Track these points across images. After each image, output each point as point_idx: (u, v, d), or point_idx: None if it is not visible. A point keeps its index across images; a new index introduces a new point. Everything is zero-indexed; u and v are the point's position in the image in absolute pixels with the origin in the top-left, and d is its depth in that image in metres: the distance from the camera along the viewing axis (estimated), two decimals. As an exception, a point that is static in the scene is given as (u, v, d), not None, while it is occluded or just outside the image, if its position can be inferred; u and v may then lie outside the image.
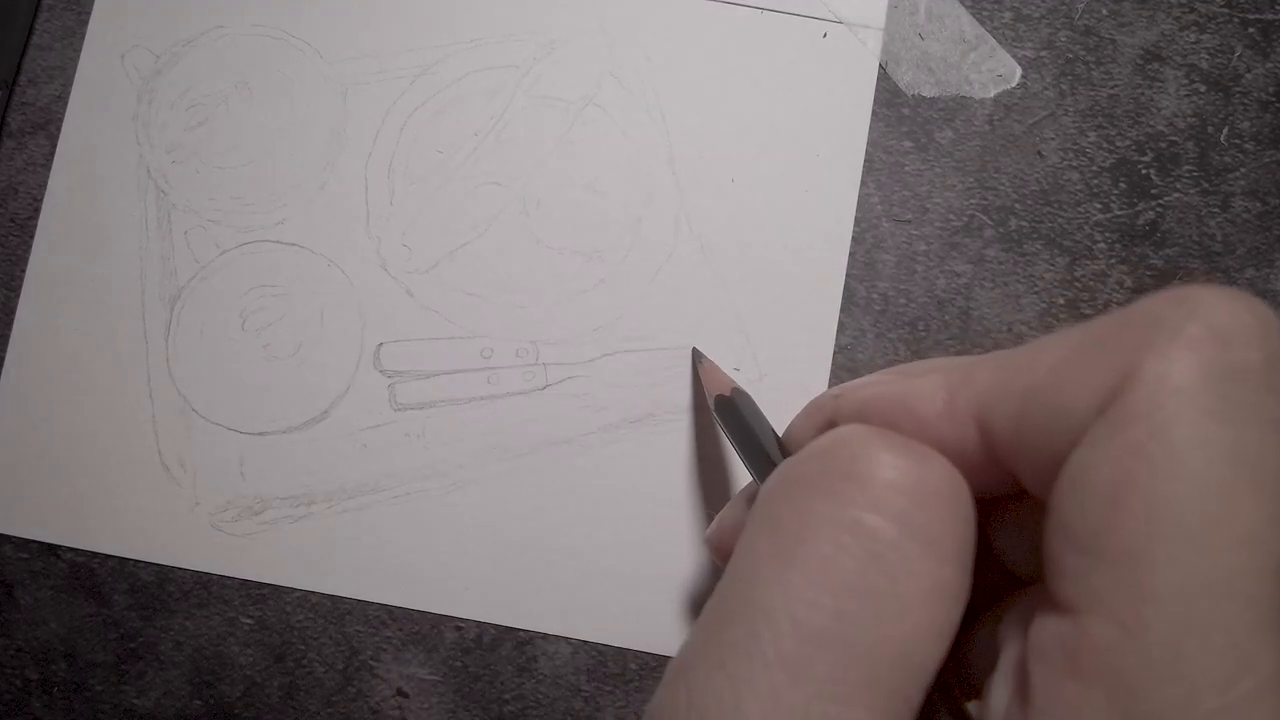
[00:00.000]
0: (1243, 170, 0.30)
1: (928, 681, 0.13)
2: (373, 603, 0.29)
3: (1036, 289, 0.30)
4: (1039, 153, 0.30)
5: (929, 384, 0.15)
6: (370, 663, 0.29)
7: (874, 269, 0.30)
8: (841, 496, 0.13)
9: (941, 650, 0.13)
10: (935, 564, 0.13)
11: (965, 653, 0.16)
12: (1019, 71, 0.31)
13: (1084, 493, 0.12)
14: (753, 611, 0.13)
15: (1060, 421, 0.12)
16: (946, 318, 0.30)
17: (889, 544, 0.13)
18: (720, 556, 0.21)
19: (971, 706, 0.15)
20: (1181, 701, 0.11)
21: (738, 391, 0.24)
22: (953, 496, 0.13)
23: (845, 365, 0.30)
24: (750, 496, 0.21)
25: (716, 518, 0.22)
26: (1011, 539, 0.16)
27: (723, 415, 0.24)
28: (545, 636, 0.29)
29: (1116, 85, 0.31)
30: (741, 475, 0.29)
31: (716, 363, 0.28)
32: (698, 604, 0.29)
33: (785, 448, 0.20)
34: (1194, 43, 0.31)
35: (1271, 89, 0.31)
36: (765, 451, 0.20)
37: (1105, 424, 0.12)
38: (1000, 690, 0.13)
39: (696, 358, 0.29)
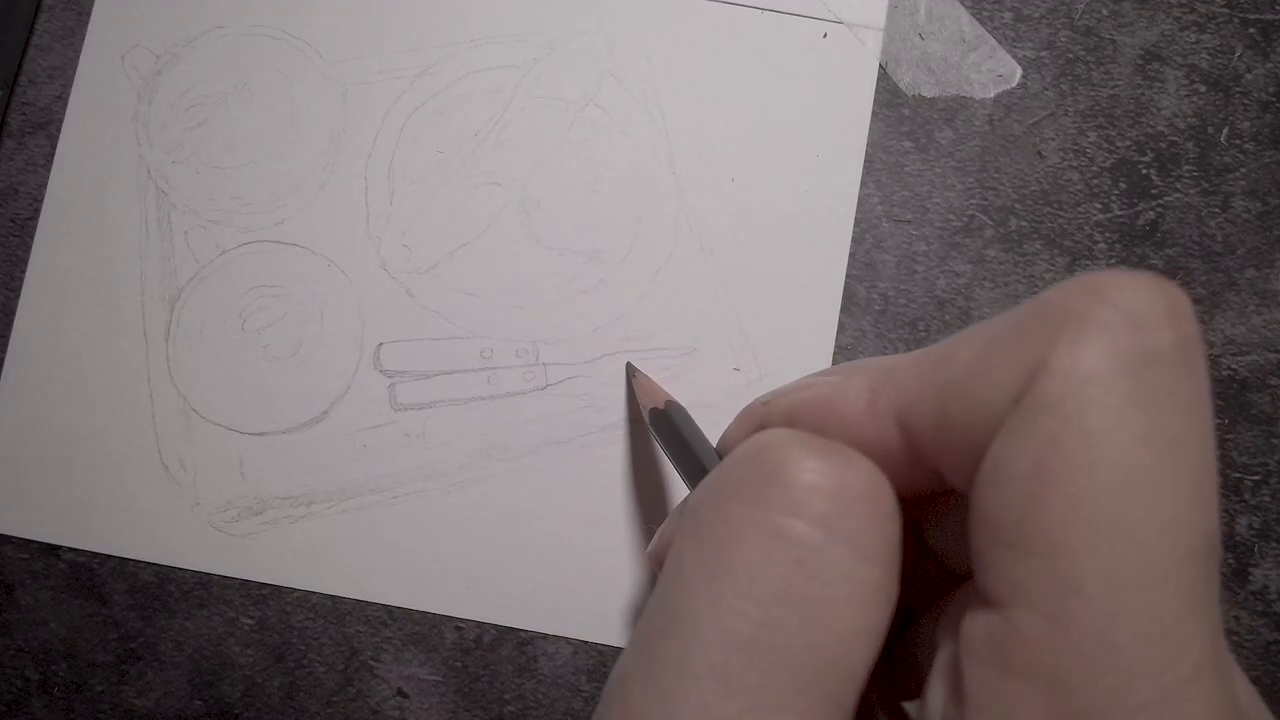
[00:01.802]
0: (1243, 170, 0.30)
1: (861, 684, 0.13)
2: (373, 603, 0.29)
3: (1036, 289, 0.30)
4: (1039, 153, 0.30)
5: (853, 384, 0.14)
6: (370, 663, 0.29)
7: (874, 269, 0.30)
8: (764, 502, 0.13)
9: (873, 652, 0.13)
10: (861, 566, 0.13)
11: (910, 652, 0.16)
12: (1019, 71, 0.31)
13: (1003, 486, 0.12)
14: (681, 624, 0.13)
15: (977, 415, 0.12)
16: (946, 318, 0.30)
17: (813, 549, 0.12)
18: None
19: (911, 707, 0.15)
20: (1115, 692, 0.11)
21: (672, 404, 0.24)
22: (876, 497, 0.13)
23: (845, 365, 0.30)
24: None
25: (657, 532, 0.22)
26: (947, 536, 0.16)
27: (658, 428, 0.24)
28: (545, 636, 0.29)
29: (1116, 85, 0.31)
30: (682, 489, 0.29)
31: (650, 376, 0.28)
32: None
33: (721, 457, 0.19)
34: (1194, 43, 0.31)
35: (1272, 89, 0.30)
36: (701, 463, 0.20)
37: (1019, 416, 0.12)
38: (937, 689, 0.13)
39: (630, 371, 0.29)
